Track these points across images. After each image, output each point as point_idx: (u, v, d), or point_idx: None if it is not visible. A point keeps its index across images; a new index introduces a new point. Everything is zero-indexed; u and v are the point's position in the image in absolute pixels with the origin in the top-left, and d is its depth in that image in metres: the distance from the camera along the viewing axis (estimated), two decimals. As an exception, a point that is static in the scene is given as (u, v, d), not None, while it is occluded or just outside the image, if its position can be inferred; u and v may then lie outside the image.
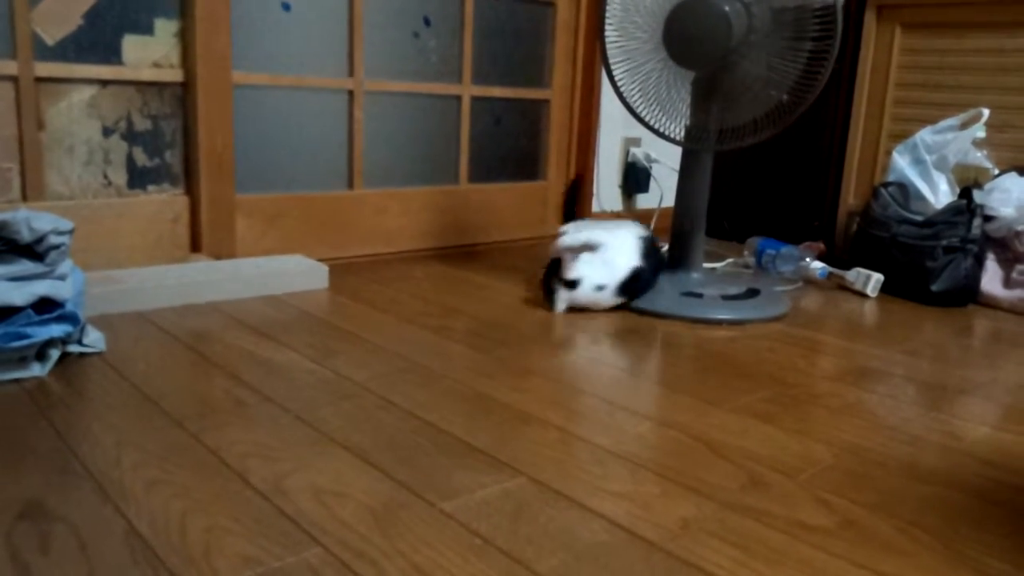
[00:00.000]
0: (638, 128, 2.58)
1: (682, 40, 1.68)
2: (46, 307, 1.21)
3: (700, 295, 1.75)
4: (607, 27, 1.79)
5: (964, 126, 2.04)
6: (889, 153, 2.18)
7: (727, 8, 1.61)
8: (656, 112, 1.81)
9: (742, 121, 1.72)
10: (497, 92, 2.36)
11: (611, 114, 2.53)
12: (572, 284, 1.64)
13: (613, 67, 1.80)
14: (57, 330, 1.21)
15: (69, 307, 1.24)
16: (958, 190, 2.03)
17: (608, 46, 1.80)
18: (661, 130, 1.81)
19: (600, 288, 1.64)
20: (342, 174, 2.10)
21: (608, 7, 1.77)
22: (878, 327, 1.73)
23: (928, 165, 2.07)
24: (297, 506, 0.85)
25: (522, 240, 2.45)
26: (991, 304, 1.94)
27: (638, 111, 1.81)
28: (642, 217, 2.70)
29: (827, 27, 1.59)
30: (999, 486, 0.99)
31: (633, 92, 1.81)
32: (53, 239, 1.24)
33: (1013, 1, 2.04)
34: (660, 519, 0.87)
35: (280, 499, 0.87)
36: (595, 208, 2.59)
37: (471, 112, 2.31)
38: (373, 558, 0.77)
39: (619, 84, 1.81)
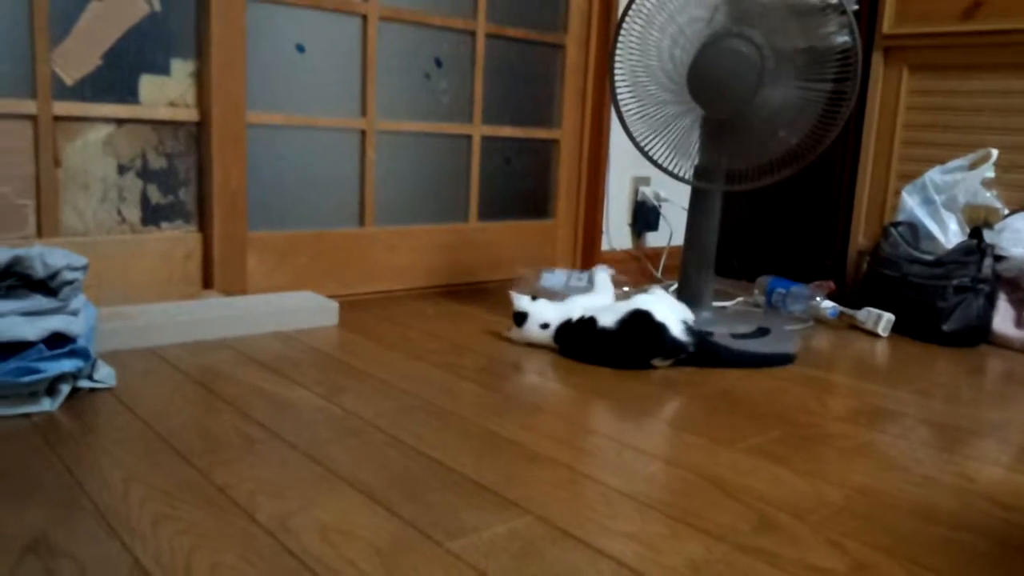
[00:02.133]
0: (647, 167, 2.60)
1: (709, 84, 1.69)
2: (58, 342, 1.22)
3: (710, 334, 1.75)
4: (617, 66, 1.81)
5: (973, 166, 2.05)
6: (898, 193, 2.19)
7: (745, 50, 1.63)
8: (665, 151, 1.83)
9: (753, 163, 1.73)
10: (507, 132, 2.38)
11: (620, 153, 2.55)
12: (520, 318, 1.67)
13: (622, 105, 1.82)
14: (68, 365, 1.22)
15: (81, 342, 1.24)
16: (968, 230, 2.02)
17: (618, 85, 1.82)
18: (670, 169, 1.83)
19: (544, 326, 1.66)
20: (353, 212, 2.11)
21: (619, 47, 1.80)
22: (889, 367, 1.72)
23: (938, 205, 2.07)
24: (303, 544, 0.85)
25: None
26: (1003, 344, 1.93)
27: (647, 150, 1.83)
28: (651, 256, 2.71)
29: (844, 70, 1.60)
30: (1013, 528, 0.98)
31: (642, 130, 1.83)
32: (67, 275, 1.26)
33: (1020, 43, 2.06)
34: (669, 560, 0.86)
35: (286, 537, 0.86)
36: (605, 247, 2.60)
37: (481, 151, 2.33)
38: (379, 597, 0.76)
39: (628, 122, 1.83)
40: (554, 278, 1.94)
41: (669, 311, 1.59)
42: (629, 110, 1.82)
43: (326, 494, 0.97)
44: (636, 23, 1.77)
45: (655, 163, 1.83)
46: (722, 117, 1.73)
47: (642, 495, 1.01)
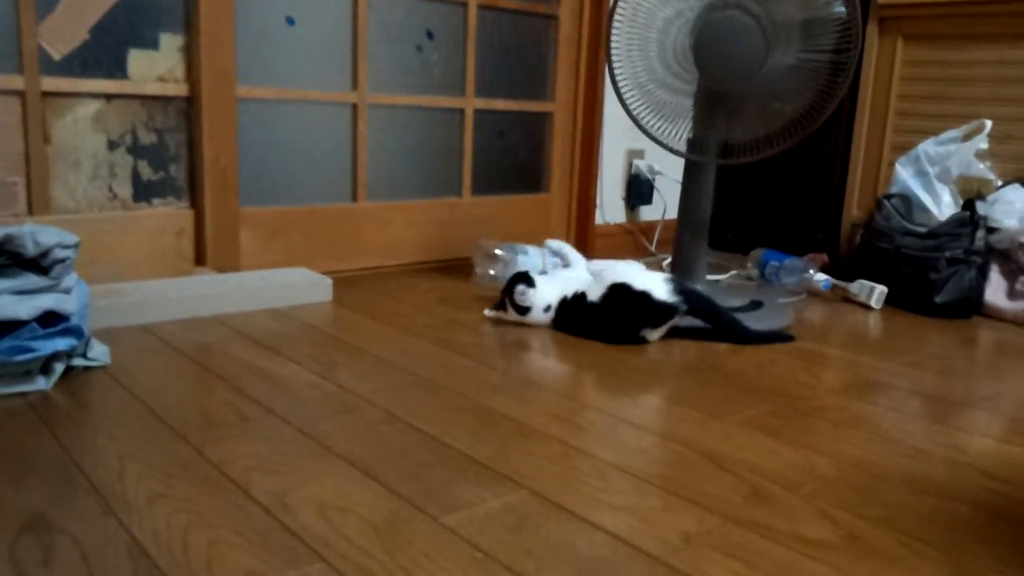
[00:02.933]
0: (641, 140, 2.58)
1: (715, 57, 1.67)
2: (51, 321, 1.22)
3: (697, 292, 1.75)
4: (613, 37, 1.79)
5: (967, 138, 2.04)
6: (892, 165, 2.19)
7: (748, 21, 1.61)
8: (661, 123, 1.81)
9: (750, 136, 1.72)
10: (500, 105, 2.37)
11: (614, 126, 2.54)
12: (524, 311, 1.64)
13: (618, 76, 1.80)
14: (62, 344, 1.22)
15: (74, 321, 1.24)
16: (961, 202, 2.03)
17: (614, 55, 1.80)
18: (665, 141, 1.82)
19: (547, 309, 1.63)
20: (346, 187, 2.10)
21: (616, 18, 1.78)
22: (882, 339, 1.73)
23: (931, 177, 2.07)
24: (299, 520, 0.85)
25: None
26: (995, 316, 1.94)
27: (642, 122, 1.82)
28: (645, 229, 2.70)
29: (842, 40, 1.59)
30: (1004, 499, 0.99)
31: (638, 103, 1.81)
32: (58, 253, 1.25)
33: (1014, 13, 2.05)
34: (662, 533, 0.87)
35: (283, 513, 0.87)
36: (599, 220, 2.59)
37: (474, 125, 2.32)
38: (375, 573, 0.77)
39: (623, 93, 1.81)
40: (530, 261, 1.91)
41: (649, 276, 1.57)
42: (624, 79, 1.81)
43: (321, 470, 0.97)
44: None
45: (652, 136, 1.82)
46: (727, 89, 1.71)
47: (635, 468, 1.02)
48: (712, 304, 1.62)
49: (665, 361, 1.49)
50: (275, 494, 0.91)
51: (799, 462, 1.07)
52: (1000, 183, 2.04)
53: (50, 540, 0.79)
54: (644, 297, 1.54)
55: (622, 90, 1.81)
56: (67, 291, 1.26)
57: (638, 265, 1.64)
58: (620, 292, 1.55)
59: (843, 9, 1.59)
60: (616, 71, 1.81)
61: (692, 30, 1.70)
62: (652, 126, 1.82)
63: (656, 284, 1.55)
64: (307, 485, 0.93)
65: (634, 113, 1.82)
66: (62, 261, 1.26)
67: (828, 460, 1.08)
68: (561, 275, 1.73)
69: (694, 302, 1.59)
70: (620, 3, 1.77)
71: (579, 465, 1.02)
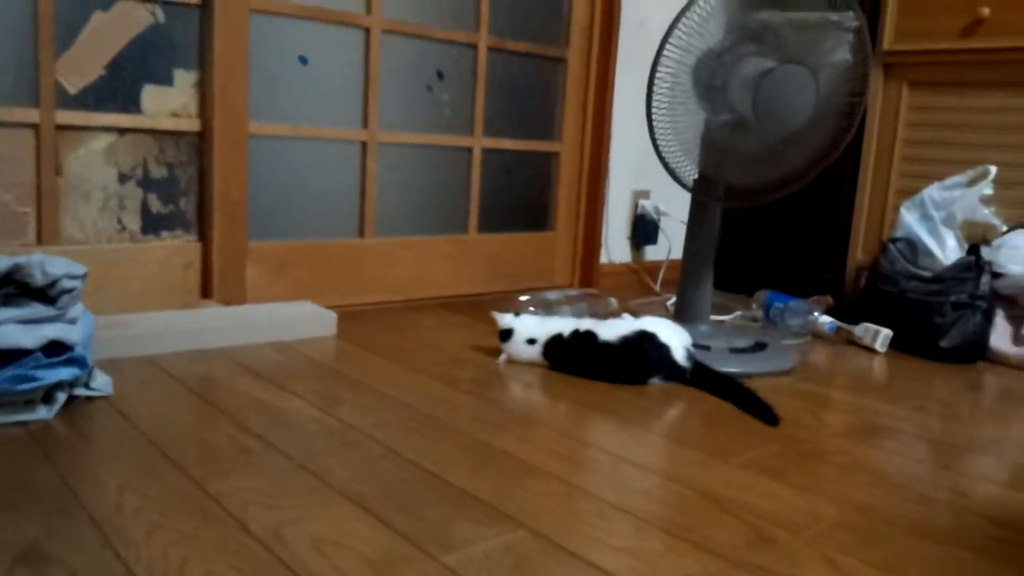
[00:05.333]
0: (647, 180, 2.61)
1: (771, 109, 1.66)
2: (55, 350, 1.22)
3: (707, 347, 1.75)
4: (658, 78, 1.75)
5: (972, 183, 2.05)
6: (897, 209, 2.19)
7: (802, 70, 1.60)
8: (688, 164, 1.79)
9: (754, 179, 1.72)
10: (508, 144, 2.39)
11: (620, 166, 2.56)
12: (506, 334, 1.66)
13: (656, 120, 1.77)
14: (65, 373, 1.22)
15: (78, 350, 1.25)
16: (966, 246, 2.03)
17: (656, 93, 1.76)
18: (680, 178, 1.79)
19: (531, 342, 1.64)
20: (353, 223, 2.12)
21: (664, 56, 1.74)
22: (887, 383, 1.72)
23: (936, 221, 2.07)
24: (296, 555, 0.85)
25: (530, 290, 2.45)
26: (1000, 361, 1.93)
27: (666, 158, 1.79)
28: (650, 269, 2.71)
29: (851, 85, 1.59)
30: (1008, 546, 0.98)
31: (668, 139, 1.78)
32: (66, 283, 1.26)
33: (1017, 61, 2.07)
34: None
35: (279, 548, 0.86)
36: (603, 259, 2.60)
37: (482, 163, 2.34)
38: (371, 610, 0.76)
39: (656, 130, 1.78)
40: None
41: (673, 334, 1.59)
42: (662, 126, 1.78)
43: (320, 505, 0.97)
44: (679, 37, 1.73)
45: (670, 171, 1.80)
46: (781, 139, 1.69)
47: (637, 510, 1.01)
48: (711, 377, 1.61)
49: (668, 401, 1.48)
50: (272, 528, 0.90)
51: (803, 505, 1.06)
52: (1005, 228, 2.05)
53: (45, 571, 0.79)
54: (664, 350, 1.56)
55: (655, 123, 1.77)
56: (72, 321, 1.27)
57: (667, 321, 1.64)
58: (645, 339, 1.56)
59: (848, 56, 1.61)
60: (654, 105, 1.76)
61: (702, 73, 1.68)
62: (673, 163, 1.80)
63: (678, 346, 1.58)
64: (305, 520, 0.93)
65: (661, 150, 1.78)
66: (69, 291, 1.27)
67: (832, 504, 1.07)
68: (551, 318, 1.72)
69: (700, 371, 1.59)
70: (672, 38, 1.73)
71: (580, 505, 1.02)
